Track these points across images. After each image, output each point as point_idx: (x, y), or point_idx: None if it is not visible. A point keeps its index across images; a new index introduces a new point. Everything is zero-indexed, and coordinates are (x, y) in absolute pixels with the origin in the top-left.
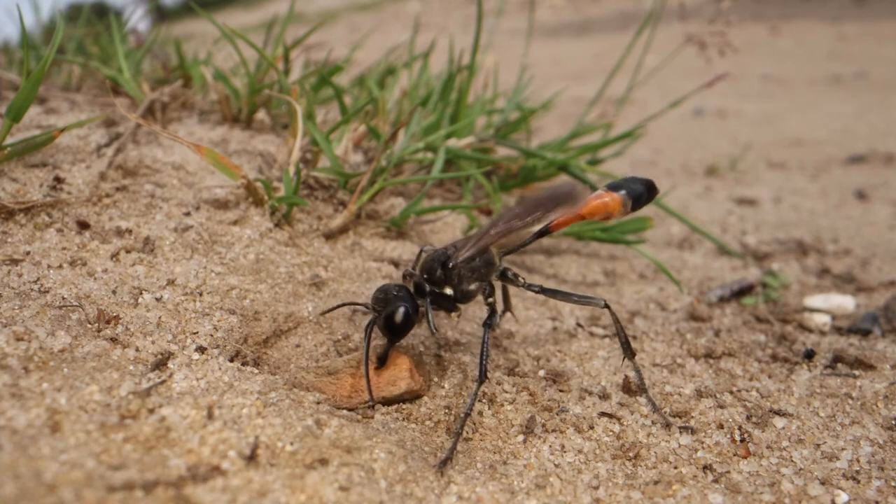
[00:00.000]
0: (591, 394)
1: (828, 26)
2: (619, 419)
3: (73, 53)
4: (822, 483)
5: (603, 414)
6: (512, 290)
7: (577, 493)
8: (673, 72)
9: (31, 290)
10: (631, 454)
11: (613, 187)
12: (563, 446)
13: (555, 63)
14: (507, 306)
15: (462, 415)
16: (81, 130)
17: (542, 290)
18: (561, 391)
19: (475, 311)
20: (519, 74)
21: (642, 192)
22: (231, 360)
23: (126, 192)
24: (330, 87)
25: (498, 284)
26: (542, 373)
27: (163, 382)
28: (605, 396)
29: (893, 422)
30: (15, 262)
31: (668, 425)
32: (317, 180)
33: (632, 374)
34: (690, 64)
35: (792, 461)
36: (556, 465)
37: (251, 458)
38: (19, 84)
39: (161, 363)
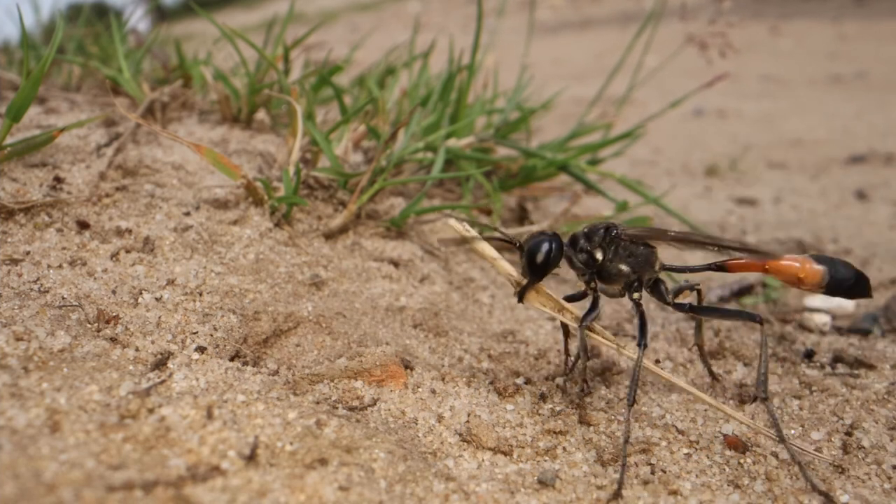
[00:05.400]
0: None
1: (828, 26)
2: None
3: (73, 53)
4: (824, 481)
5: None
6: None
7: (578, 493)
8: (673, 72)
9: (31, 289)
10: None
11: (817, 259)
12: (565, 448)
13: (555, 63)
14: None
15: (622, 441)
16: (81, 130)
17: (693, 309)
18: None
19: (475, 311)
20: (519, 74)
21: (848, 279)
22: (231, 360)
23: (126, 192)
24: (330, 87)
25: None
26: (543, 372)
27: (162, 382)
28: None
29: (894, 421)
30: (15, 261)
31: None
32: (317, 180)
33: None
34: (690, 64)
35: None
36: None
37: (251, 458)
38: (19, 84)
39: (161, 363)
